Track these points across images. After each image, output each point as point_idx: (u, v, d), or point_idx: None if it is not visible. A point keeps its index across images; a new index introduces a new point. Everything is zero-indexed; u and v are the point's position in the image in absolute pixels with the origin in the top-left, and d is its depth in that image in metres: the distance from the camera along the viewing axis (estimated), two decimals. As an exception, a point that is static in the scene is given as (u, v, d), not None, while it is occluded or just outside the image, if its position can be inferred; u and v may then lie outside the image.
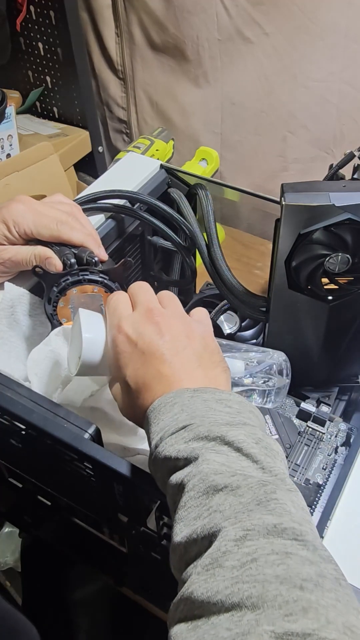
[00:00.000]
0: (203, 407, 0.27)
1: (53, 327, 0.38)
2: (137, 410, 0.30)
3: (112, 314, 0.32)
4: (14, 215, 0.38)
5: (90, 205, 0.49)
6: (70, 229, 0.39)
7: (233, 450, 0.25)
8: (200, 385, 0.29)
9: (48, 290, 0.37)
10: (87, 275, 0.37)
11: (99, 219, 0.50)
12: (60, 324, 0.38)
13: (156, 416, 0.28)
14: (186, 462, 0.25)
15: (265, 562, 0.20)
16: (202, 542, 0.22)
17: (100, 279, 0.38)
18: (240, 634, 0.18)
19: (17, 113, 0.85)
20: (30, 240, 0.39)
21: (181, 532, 0.23)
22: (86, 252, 0.38)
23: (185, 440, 0.26)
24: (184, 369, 0.30)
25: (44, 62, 0.89)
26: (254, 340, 0.58)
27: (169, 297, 0.34)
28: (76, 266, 0.37)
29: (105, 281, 0.38)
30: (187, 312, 0.34)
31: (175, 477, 0.25)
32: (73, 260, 0.38)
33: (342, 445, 0.47)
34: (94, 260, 0.38)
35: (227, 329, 0.55)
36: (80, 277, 0.37)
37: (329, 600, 0.19)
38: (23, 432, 0.35)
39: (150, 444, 0.28)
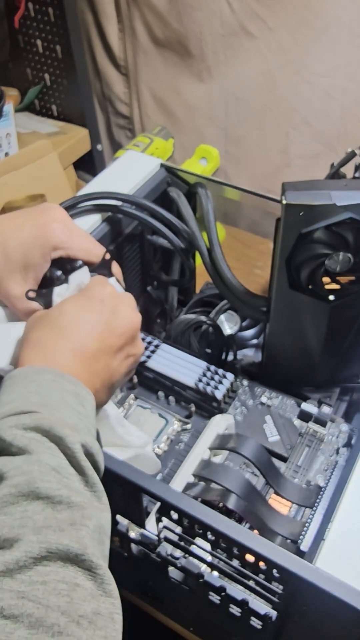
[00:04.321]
0: (58, 397, 0.27)
1: None
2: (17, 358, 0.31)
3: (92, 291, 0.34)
4: (53, 241, 0.36)
5: (89, 205, 0.49)
6: (99, 249, 0.38)
7: (66, 457, 0.25)
8: (71, 371, 0.29)
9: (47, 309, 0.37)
10: (59, 284, 0.37)
11: (96, 219, 0.49)
12: None
13: (11, 386, 0.28)
14: (18, 451, 0.25)
15: (53, 589, 0.21)
16: (3, 543, 0.22)
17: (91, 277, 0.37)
18: None
19: (16, 111, 0.85)
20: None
21: None
22: (67, 261, 0.38)
23: (24, 427, 0.25)
24: (74, 350, 0.30)
25: (43, 60, 0.88)
26: (255, 341, 0.57)
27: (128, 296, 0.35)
28: (64, 276, 0.37)
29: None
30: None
31: (2, 463, 0.24)
32: (59, 273, 0.37)
33: (343, 447, 0.47)
34: (77, 265, 0.37)
35: (228, 329, 0.55)
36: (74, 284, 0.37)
37: (97, 638, 0.21)
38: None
39: None
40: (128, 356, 0.34)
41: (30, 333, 0.32)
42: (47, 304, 0.36)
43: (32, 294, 0.36)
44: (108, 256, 0.38)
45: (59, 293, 0.36)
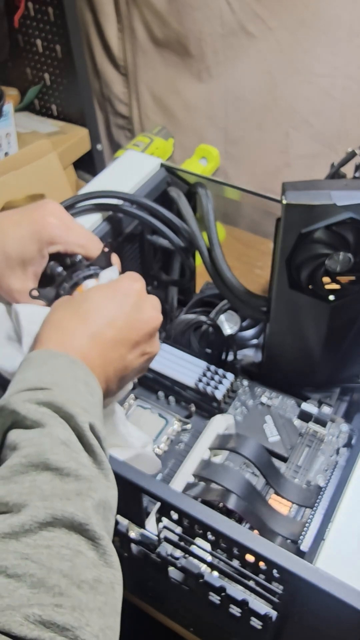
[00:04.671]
0: (70, 381, 0.28)
1: None
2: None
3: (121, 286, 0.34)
4: (49, 235, 0.36)
5: (88, 204, 0.49)
6: (96, 243, 0.38)
7: (76, 434, 0.26)
8: (85, 358, 0.30)
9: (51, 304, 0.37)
10: (80, 274, 0.37)
11: (96, 218, 0.49)
12: None
13: (27, 366, 0.29)
14: (32, 424, 0.25)
15: (57, 554, 0.21)
16: (12, 508, 0.22)
17: (92, 271, 0.37)
18: (10, 606, 0.19)
19: (16, 111, 0.85)
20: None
21: None
22: (66, 255, 0.38)
23: (38, 402, 0.26)
24: (91, 336, 0.31)
25: (43, 59, 0.88)
26: (255, 341, 0.57)
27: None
28: (65, 272, 0.37)
29: (98, 271, 0.37)
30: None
31: (15, 435, 0.25)
32: (60, 269, 0.37)
33: (343, 447, 0.47)
34: (77, 260, 0.37)
35: (228, 329, 0.54)
36: (75, 279, 0.37)
37: (98, 603, 0.21)
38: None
39: (8, 387, 0.28)
40: (143, 354, 0.34)
41: (53, 314, 0.32)
42: (51, 301, 0.36)
43: (35, 293, 0.36)
44: (107, 249, 0.38)
45: (89, 286, 0.36)
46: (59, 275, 0.37)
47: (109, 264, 0.38)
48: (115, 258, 0.39)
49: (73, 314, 0.32)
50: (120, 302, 0.33)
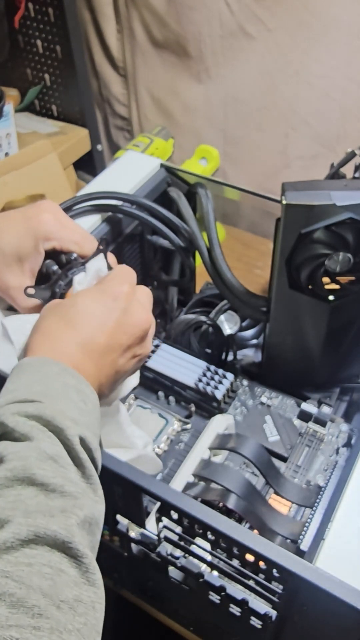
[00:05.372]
0: (61, 389, 0.28)
1: None
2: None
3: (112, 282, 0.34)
4: (43, 230, 0.37)
5: (88, 204, 0.49)
6: (91, 242, 0.38)
7: (65, 447, 0.26)
8: (77, 366, 0.30)
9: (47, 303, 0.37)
10: (75, 272, 0.37)
11: (96, 219, 0.49)
12: None
13: (17, 374, 0.29)
14: (20, 437, 0.25)
15: (37, 572, 0.21)
16: None
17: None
18: None
19: (16, 111, 0.85)
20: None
21: None
22: (62, 253, 0.38)
23: (27, 415, 0.26)
24: (82, 343, 0.31)
25: (43, 60, 0.88)
26: (255, 341, 0.57)
27: (145, 292, 0.35)
28: (60, 270, 0.37)
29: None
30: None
31: (3, 447, 0.25)
32: (55, 267, 0.37)
33: (343, 446, 0.47)
34: (73, 258, 0.38)
35: (228, 329, 0.55)
36: (71, 277, 0.37)
37: (77, 624, 0.21)
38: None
39: None
40: (134, 356, 0.34)
41: (43, 321, 0.32)
42: (47, 300, 0.36)
43: (30, 291, 0.36)
44: (102, 246, 0.38)
45: (79, 281, 0.36)
46: (55, 274, 0.37)
47: (104, 262, 0.38)
48: (111, 257, 0.39)
49: (62, 320, 0.31)
50: (110, 306, 0.32)
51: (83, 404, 0.28)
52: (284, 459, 0.47)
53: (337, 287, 0.42)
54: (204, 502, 0.36)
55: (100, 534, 0.26)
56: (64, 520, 0.23)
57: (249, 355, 0.56)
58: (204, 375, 0.49)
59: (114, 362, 0.32)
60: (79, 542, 0.22)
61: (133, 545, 0.39)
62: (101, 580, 0.23)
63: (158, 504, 0.32)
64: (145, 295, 0.35)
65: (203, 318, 0.53)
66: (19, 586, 0.20)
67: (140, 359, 0.35)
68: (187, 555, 0.35)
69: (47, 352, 0.30)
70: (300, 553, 0.37)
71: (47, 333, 0.31)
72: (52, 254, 0.38)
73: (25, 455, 0.24)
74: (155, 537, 0.35)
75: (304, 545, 0.37)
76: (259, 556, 0.29)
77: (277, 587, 0.31)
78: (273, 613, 0.33)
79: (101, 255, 0.37)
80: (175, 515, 0.32)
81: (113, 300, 0.33)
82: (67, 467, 0.25)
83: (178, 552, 0.36)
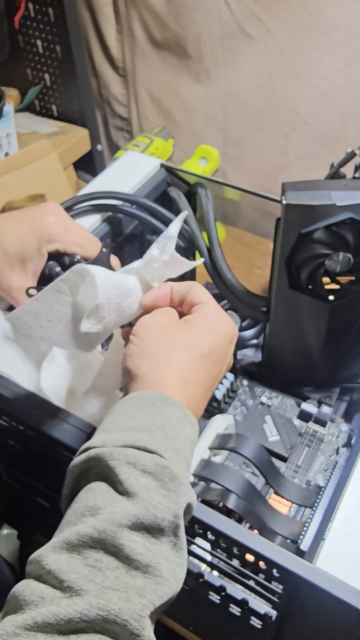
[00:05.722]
0: (182, 443, 0.25)
1: None
2: (135, 369, 0.28)
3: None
4: (47, 232, 0.36)
5: (88, 204, 0.49)
6: (95, 244, 0.38)
7: (172, 515, 0.23)
8: (198, 409, 0.28)
9: None
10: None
11: (96, 219, 0.49)
12: None
13: (136, 409, 0.26)
14: (124, 492, 0.23)
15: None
16: (65, 589, 0.21)
17: None
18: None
19: (16, 111, 0.85)
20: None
21: (58, 554, 0.21)
22: (65, 255, 0.38)
23: (143, 469, 0.23)
24: (208, 388, 0.28)
25: (43, 60, 0.88)
26: (255, 341, 0.57)
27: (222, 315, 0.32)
28: (62, 272, 0.37)
29: None
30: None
31: (103, 499, 0.23)
32: (58, 269, 0.38)
33: (343, 446, 0.47)
34: (76, 260, 0.38)
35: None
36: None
37: None
38: (24, 431, 0.35)
39: (109, 424, 0.25)
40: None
41: (171, 353, 0.28)
42: None
43: (33, 292, 0.36)
44: (105, 249, 0.38)
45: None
46: (57, 275, 0.37)
47: (107, 264, 0.38)
48: (114, 259, 0.39)
49: (196, 357, 0.28)
50: (220, 333, 0.29)
51: (191, 455, 0.26)
52: (284, 459, 0.47)
53: (337, 287, 0.42)
54: (204, 502, 0.36)
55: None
56: (139, 610, 0.21)
57: (249, 355, 0.56)
58: (204, 375, 0.49)
59: (210, 394, 0.30)
60: (147, 636, 0.21)
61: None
62: None
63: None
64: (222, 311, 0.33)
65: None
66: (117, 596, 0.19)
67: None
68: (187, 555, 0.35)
69: (180, 392, 0.27)
70: (300, 553, 0.37)
71: (181, 370, 0.28)
72: (55, 256, 0.38)
73: (121, 521, 0.22)
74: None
75: (304, 545, 0.37)
76: (259, 556, 0.29)
77: (277, 587, 0.31)
78: (273, 613, 0.33)
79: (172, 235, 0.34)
80: (175, 515, 0.32)
81: (222, 323, 0.30)
82: (160, 539, 0.23)
83: (178, 552, 0.36)
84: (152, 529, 0.23)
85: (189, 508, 0.24)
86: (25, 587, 0.21)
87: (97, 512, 0.22)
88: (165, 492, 0.23)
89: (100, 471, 0.24)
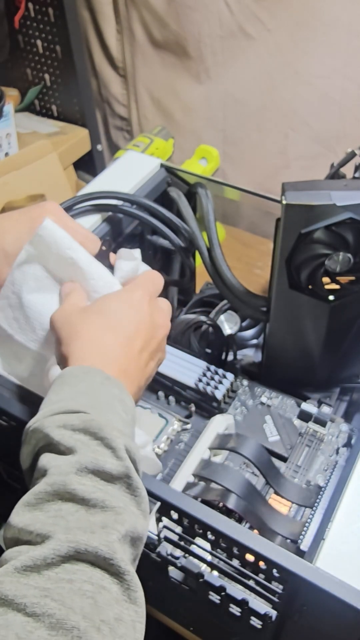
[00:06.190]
0: (106, 400, 0.27)
1: None
2: (60, 354, 0.31)
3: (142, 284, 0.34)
4: None
5: (88, 204, 0.49)
6: (94, 242, 0.38)
7: (112, 457, 0.25)
8: (124, 372, 0.29)
9: None
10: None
11: (96, 219, 0.49)
12: None
13: (61, 385, 0.28)
14: (65, 450, 0.25)
15: (78, 589, 0.21)
16: (35, 538, 0.22)
17: None
18: None
19: (16, 111, 0.85)
20: None
21: (22, 514, 0.23)
22: None
23: (73, 427, 0.25)
24: (120, 351, 0.30)
25: (43, 60, 0.88)
26: (255, 341, 0.57)
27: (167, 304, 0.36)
28: None
29: None
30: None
31: (46, 460, 0.25)
32: None
33: (343, 446, 0.47)
34: None
35: (228, 329, 0.55)
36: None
37: None
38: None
39: (42, 406, 0.27)
40: (158, 360, 0.34)
41: (83, 326, 0.31)
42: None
43: None
44: (104, 247, 0.38)
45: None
46: None
47: (107, 262, 0.38)
48: (113, 257, 0.39)
49: (104, 325, 0.31)
50: (142, 310, 0.32)
51: (125, 414, 0.28)
52: (284, 459, 0.47)
53: (337, 287, 0.42)
54: (204, 502, 0.36)
55: (142, 548, 0.25)
56: (105, 537, 0.22)
57: (249, 355, 0.56)
58: (204, 375, 0.49)
59: (147, 365, 0.32)
60: (120, 558, 0.22)
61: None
62: (143, 599, 0.23)
63: (158, 503, 0.32)
64: (166, 302, 0.36)
65: (203, 318, 0.53)
66: (58, 607, 0.20)
67: (159, 363, 0.35)
68: (187, 555, 0.35)
69: (96, 359, 0.29)
70: (300, 553, 0.37)
71: (92, 339, 0.30)
72: None
73: (67, 470, 0.24)
74: (155, 537, 0.35)
75: (304, 545, 0.37)
76: (259, 556, 0.29)
77: (277, 587, 0.31)
78: (273, 613, 0.33)
79: (135, 257, 0.37)
80: (175, 515, 0.32)
81: (144, 303, 0.32)
82: (110, 481, 0.25)
83: (178, 552, 0.36)
84: (98, 473, 0.24)
85: (129, 453, 0.26)
86: (6, 552, 0.23)
87: (46, 472, 0.24)
88: (98, 441, 0.25)
89: (41, 443, 0.26)
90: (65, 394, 0.27)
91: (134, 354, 0.31)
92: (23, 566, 0.21)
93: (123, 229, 0.52)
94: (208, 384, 0.48)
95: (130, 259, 0.38)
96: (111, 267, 0.38)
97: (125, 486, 0.25)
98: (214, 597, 0.36)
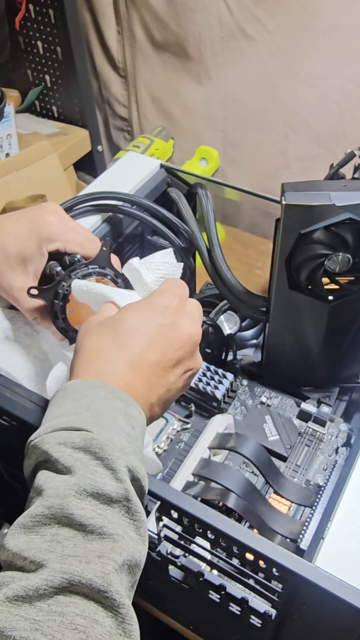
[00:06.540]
0: (109, 416, 0.26)
1: (70, 339, 0.38)
2: (70, 365, 0.30)
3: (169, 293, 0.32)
4: (47, 232, 0.36)
5: (88, 205, 0.49)
6: (95, 243, 0.38)
7: (112, 479, 0.24)
8: (127, 387, 0.28)
9: (50, 306, 0.37)
10: (78, 273, 0.37)
11: (97, 219, 0.49)
12: (76, 331, 0.37)
13: (63, 398, 0.27)
14: (63, 469, 0.24)
15: (70, 623, 0.20)
16: (29, 565, 0.22)
17: (91, 270, 0.37)
18: None
19: (16, 112, 0.85)
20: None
21: (18, 537, 0.23)
22: (65, 254, 0.38)
23: (73, 446, 0.25)
24: (131, 362, 0.29)
25: (43, 61, 0.88)
26: (255, 341, 0.57)
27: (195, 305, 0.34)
28: (63, 271, 0.37)
29: (97, 269, 0.38)
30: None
31: (44, 479, 0.24)
32: (59, 269, 0.38)
33: (342, 446, 0.47)
34: (76, 259, 0.38)
35: (227, 329, 0.55)
36: (74, 278, 0.37)
37: None
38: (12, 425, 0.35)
39: (44, 419, 0.27)
40: (186, 370, 0.32)
41: (88, 341, 0.30)
42: (49, 301, 0.36)
43: (34, 291, 0.36)
44: (105, 248, 0.38)
45: (124, 295, 0.35)
46: (58, 275, 0.37)
47: (108, 263, 0.38)
48: (114, 258, 0.39)
49: (111, 339, 0.30)
50: (158, 322, 0.30)
51: (131, 428, 0.27)
52: (283, 459, 0.47)
53: (336, 287, 0.42)
54: (203, 501, 0.36)
55: (139, 573, 0.24)
56: (100, 567, 0.21)
57: (249, 355, 0.56)
58: (204, 375, 0.49)
59: (165, 379, 0.31)
60: (116, 590, 0.21)
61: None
62: (138, 632, 0.22)
63: (158, 503, 0.32)
64: (195, 307, 0.33)
65: (203, 318, 0.54)
66: None
67: (192, 374, 0.33)
68: (187, 554, 0.35)
69: (95, 374, 0.28)
70: (299, 552, 0.37)
71: (94, 353, 0.29)
72: (56, 256, 0.38)
73: (65, 492, 0.23)
74: (156, 536, 0.35)
75: (304, 545, 0.37)
76: (258, 555, 0.30)
77: (276, 586, 0.31)
78: (273, 612, 0.33)
79: (166, 261, 0.36)
80: (175, 515, 0.32)
81: (161, 315, 0.31)
82: (109, 504, 0.24)
83: (178, 551, 0.36)
84: (97, 496, 0.24)
85: (132, 473, 0.25)
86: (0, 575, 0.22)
87: (42, 492, 0.24)
88: (99, 461, 0.25)
89: (40, 459, 0.25)
90: (67, 408, 0.26)
91: (145, 368, 0.30)
92: (15, 596, 0.20)
93: (123, 229, 0.52)
94: (208, 384, 0.48)
95: (163, 262, 0.36)
96: (111, 267, 0.38)
97: (124, 510, 0.24)
98: (214, 596, 0.36)
